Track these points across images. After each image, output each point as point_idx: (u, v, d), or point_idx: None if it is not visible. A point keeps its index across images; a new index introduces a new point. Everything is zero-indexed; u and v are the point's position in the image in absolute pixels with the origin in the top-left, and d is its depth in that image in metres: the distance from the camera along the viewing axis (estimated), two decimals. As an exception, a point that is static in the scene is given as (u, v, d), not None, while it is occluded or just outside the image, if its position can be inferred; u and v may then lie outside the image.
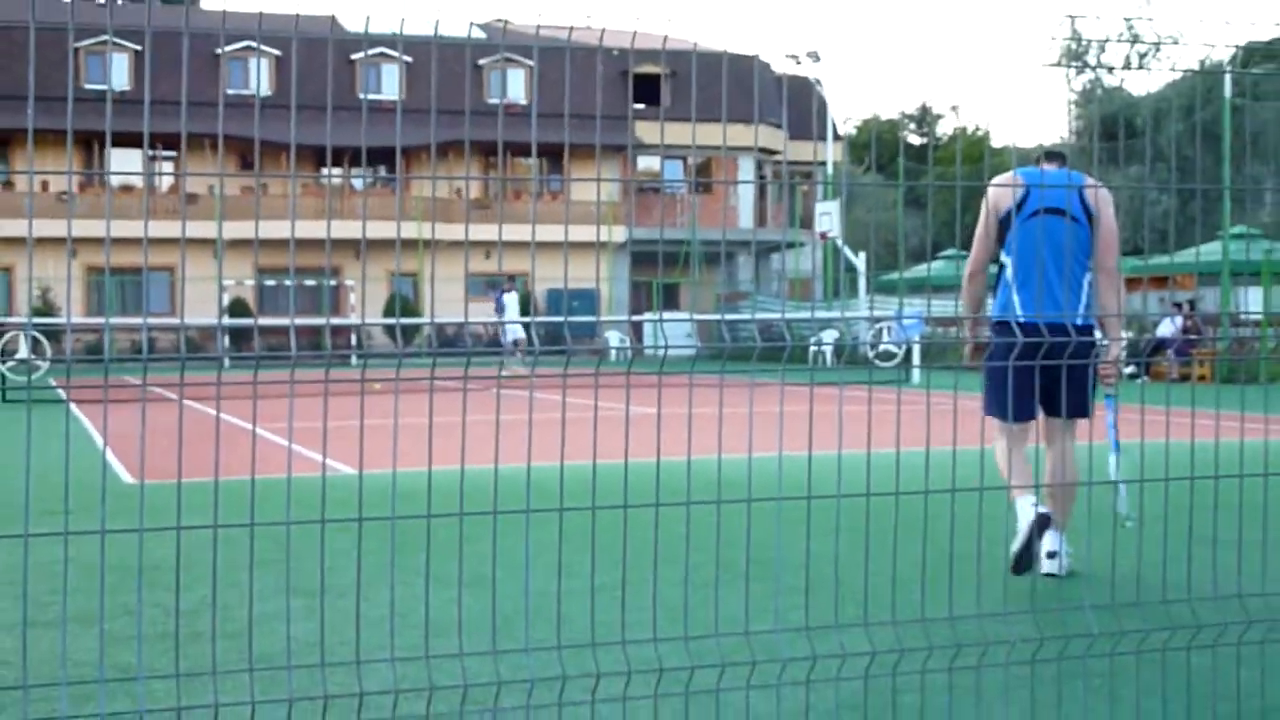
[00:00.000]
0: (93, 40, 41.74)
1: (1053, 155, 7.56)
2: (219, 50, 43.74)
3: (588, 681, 2.76)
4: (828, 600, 5.22)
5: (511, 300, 30.65)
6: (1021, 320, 6.55)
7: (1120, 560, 4.54)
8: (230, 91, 45.31)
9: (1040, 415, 6.71)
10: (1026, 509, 6.31)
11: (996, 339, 6.68)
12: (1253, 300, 29.10)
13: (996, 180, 6.94)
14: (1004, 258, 6.87)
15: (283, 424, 8.27)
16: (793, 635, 3.03)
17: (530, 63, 45.98)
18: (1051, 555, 6.41)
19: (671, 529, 3.41)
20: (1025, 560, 6.29)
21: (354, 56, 47.37)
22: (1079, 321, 6.55)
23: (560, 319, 9.16)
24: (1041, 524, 6.30)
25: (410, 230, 44.52)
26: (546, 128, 44.31)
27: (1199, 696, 3.87)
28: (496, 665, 3.55)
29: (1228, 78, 29.03)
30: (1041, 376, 6.14)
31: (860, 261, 33.67)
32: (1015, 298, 6.74)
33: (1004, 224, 6.79)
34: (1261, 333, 22.79)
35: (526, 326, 27.13)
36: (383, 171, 46.57)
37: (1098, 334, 6.77)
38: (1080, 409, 6.55)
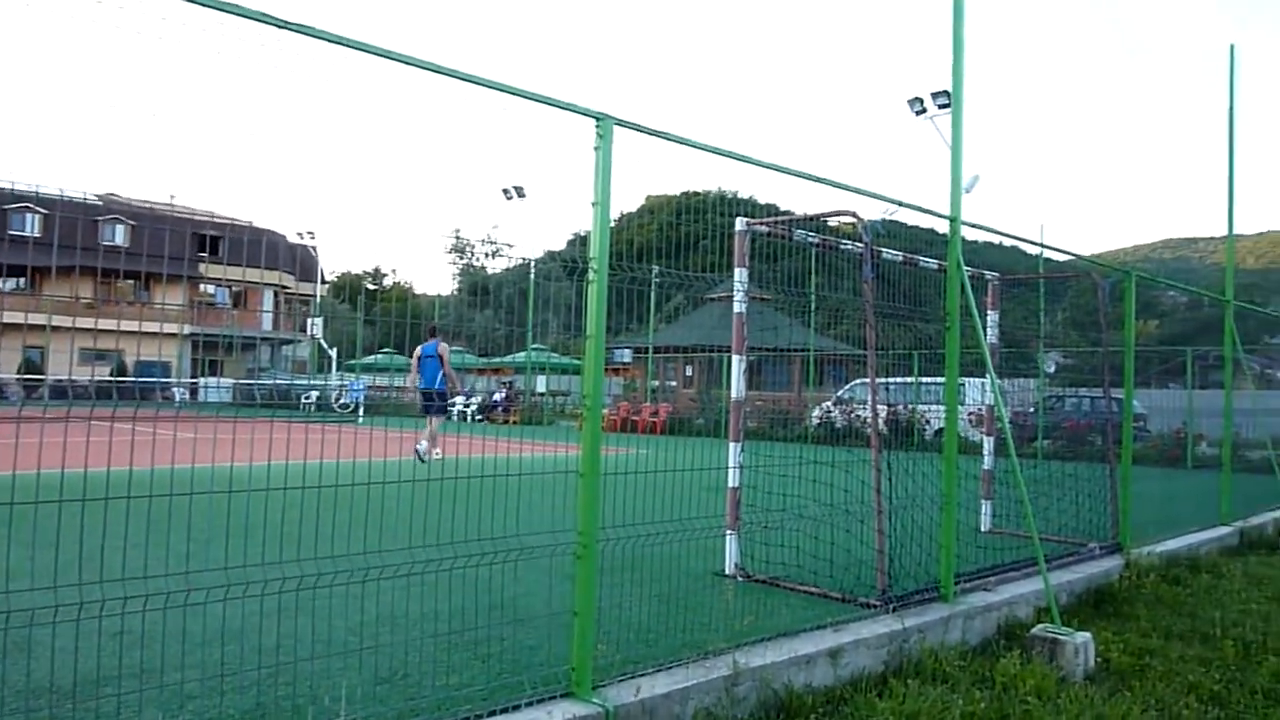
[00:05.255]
0: None
1: (434, 331, 11.56)
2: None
3: (211, 590, 2.59)
4: (351, 541, 5.15)
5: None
6: (424, 388, 11.25)
7: (483, 519, 4.78)
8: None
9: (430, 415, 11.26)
10: (423, 442, 10.42)
11: (428, 392, 11.33)
12: (541, 384, 31.05)
13: (420, 346, 11.16)
14: (419, 366, 11.41)
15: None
16: (355, 555, 3.02)
17: (133, 222, 41.80)
18: (422, 454, 10.12)
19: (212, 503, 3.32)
20: (419, 456, 9.98)
21: (7, 206, 39.52)
22: (439, 388, 11.39)
23: (148, 380, 8.70)
24: (421, 450, 10.22)
25: (41, 319, 37.79)
26: (151, 264, 39.43)
27: (483, 591, 4.25)
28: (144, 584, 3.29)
29: (533, 267, 30.85)
30: (427, 404, 11.26)
31: (334, 352, 32.69)
32: (424, 380, 11.27)
33: (420, 359, 11.36)
34: (544, 401, 24.04)
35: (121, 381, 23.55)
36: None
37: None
38: (431, 411, 11.28)
